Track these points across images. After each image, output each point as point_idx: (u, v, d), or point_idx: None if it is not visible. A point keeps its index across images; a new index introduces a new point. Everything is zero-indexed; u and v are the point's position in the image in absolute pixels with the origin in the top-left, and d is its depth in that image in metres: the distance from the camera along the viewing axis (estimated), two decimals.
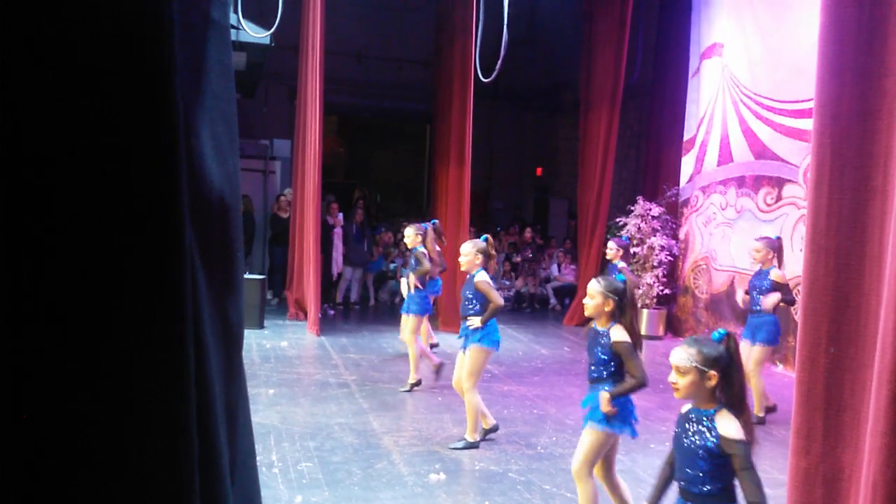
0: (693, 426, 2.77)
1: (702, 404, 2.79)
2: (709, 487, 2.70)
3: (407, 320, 7.37)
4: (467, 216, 10.51)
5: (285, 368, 7.90)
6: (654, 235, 10.91)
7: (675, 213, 11.33)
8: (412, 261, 7.53)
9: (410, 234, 7.50)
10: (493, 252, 5.93)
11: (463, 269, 5.83)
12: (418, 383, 7.28)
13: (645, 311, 11.00)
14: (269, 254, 12.45)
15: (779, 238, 6.93)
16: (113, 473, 0.77)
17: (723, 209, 10.34)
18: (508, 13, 8.28)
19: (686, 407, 2.90)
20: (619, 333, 4.04)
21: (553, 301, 13.51)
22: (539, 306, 13.52)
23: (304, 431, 5.86)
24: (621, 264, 8.25)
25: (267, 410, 6.27)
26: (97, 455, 0.76)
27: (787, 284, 6.63)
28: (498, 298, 5.59)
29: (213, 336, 0.97)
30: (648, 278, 10.91)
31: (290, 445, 5.53)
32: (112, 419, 0.76)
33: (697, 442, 2.73)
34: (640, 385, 4.01)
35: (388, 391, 7.23)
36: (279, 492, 4.64)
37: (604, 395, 4.02)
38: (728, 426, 2.68)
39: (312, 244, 9.89)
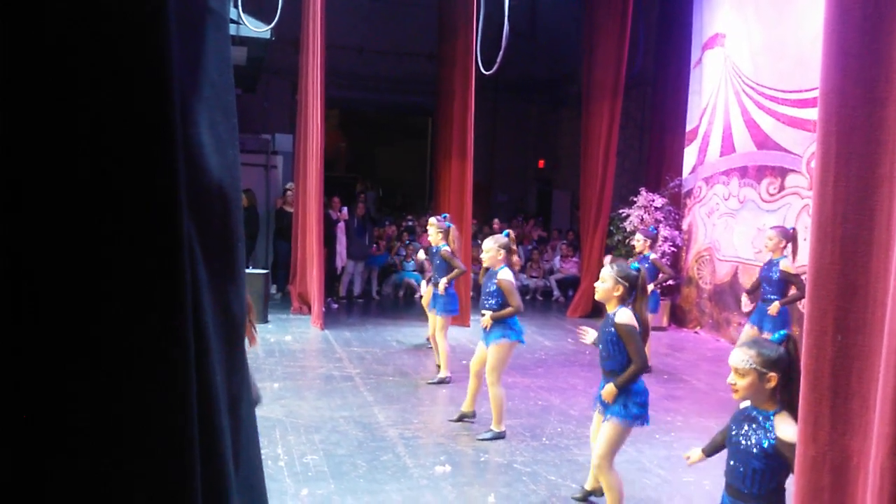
0: (751, 425, 2.76)
1: (761, 405, 2.78)
2: (758, 488, 2.70)
3: (436, 319, 7.39)
4: (470, 209, 10.49)
5: (290, 362, 7.90)
6: (658, 226, 10.89)
7: (678, 203, 11.31)
8: (437, 260, 7.44)
9: (433, 231, 7.45)
10: (515, 247, 5.90)
11: (485, 265, 5.80)
12: (447, 380, 7.27)
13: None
14: (273, 248, 12.45)
15: (794, 229, 6.89)
16: (112, 466, 0.76)
17: (725, 199, 10.32)
18: (510, 5, 8.25)
19: (744, 404, 2.88)
20: (624, 315, 4.06)
21: (556, 293, 13.51)
22: (542, 298, 13.52)
23: (309, 424, 5.87)
24: (653, 255, 8.23)
25: (272, 404, 6.28)
26: (96, 447, 0.75)
27: (798, 275, 6.59)
28: (518, 302, 5.54)
29: (214, 327, 0.96)
30: None
31: (295, 439, 5.53)
32: (110, 411, 0.75)
33: (753, 441, 2.72)
34: (641, 370, 4.04)
35: (392, 384, 7.23)
36: (285, 485, 4.65)
37: (609, 389, 4.04)
38: (787, 429, 2.68)
39: (315, 238, 9.89)
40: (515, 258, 5.89)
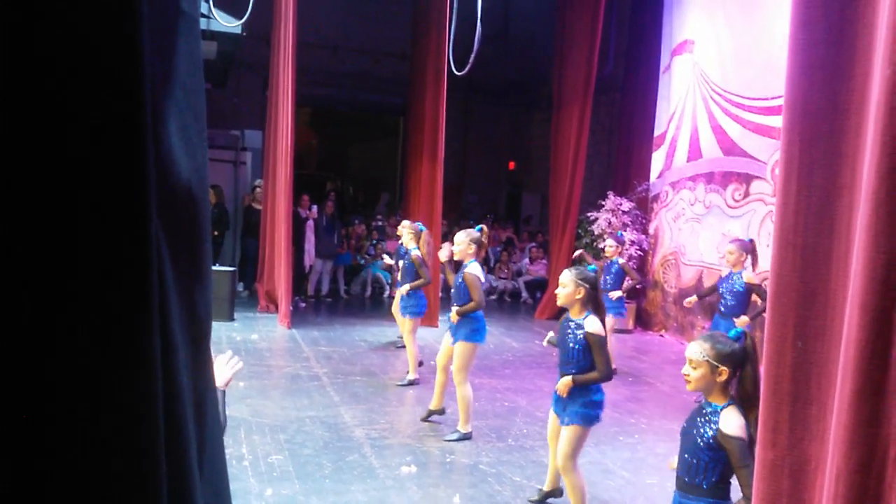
0: (702, 418, 2.84)
1: (714, 398, 2.85)
2: (702, 479, 2.76)
3: (404, 321, 7.37)
4: (440, 209, 10.50)
5: (256, 361, 7.84)
6: (625, 230, 11.00)
7: (645, 208, 11.44)
8: (407, 264, 7.38)
9: (405, 235, 7.42)
10: (486, 241, 5.92)
11: (456, 258, 5.84)
12: (415, 382, 7.27)
13: None
14: (241, 245, 12.33)
15: (752, 240, 6.97)
16: (76, 466, 0.75)
17: (692, 205, 10.46)
18: (482, 7, 8.28)
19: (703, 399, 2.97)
20: (593, 324, 4.09)
21: (524, 295, 13.57)
22: (510, 299, 13.58)
23: (274, 424, 5.83)
24: (621, 260, 8.30)
25: (237, 403, 6.23)
26: (59, 448, 0.74)
27: (761, 285, 6.67)
28: (479, 297, 5.57)
29: (180, 327, 0.95)
30: None
31: (260, 438, 5.50)
32: (74, 411, 0.74)
33: (702, 433, 2.80)
34: (604, 380, 4.08)
35: (359, 384, 7.21)
36: (249, 484, 4.62)
37: (566, 381, 4.07)
38: (729, 422, 2.75)
39: (284, 236, 9.83)
40: (481, 252, 5.92)
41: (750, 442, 2.72)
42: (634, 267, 11.00)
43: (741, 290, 6.51)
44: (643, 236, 11.19)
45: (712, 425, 2.78)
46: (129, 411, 0.78)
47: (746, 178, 9.30)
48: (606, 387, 4.21)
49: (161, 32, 0.91)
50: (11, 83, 0.69)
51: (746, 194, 9.30)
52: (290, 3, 9.48)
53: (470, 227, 6.39)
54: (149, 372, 0.80)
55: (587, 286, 4.12)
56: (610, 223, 11.06)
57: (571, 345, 4.12)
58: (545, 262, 13.26)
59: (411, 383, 7.25)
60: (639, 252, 11.07)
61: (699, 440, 2.79)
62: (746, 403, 2.80)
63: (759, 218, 9.03)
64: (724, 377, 2.80)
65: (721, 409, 2.80)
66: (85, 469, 0.73)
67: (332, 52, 14.90)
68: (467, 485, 4.90)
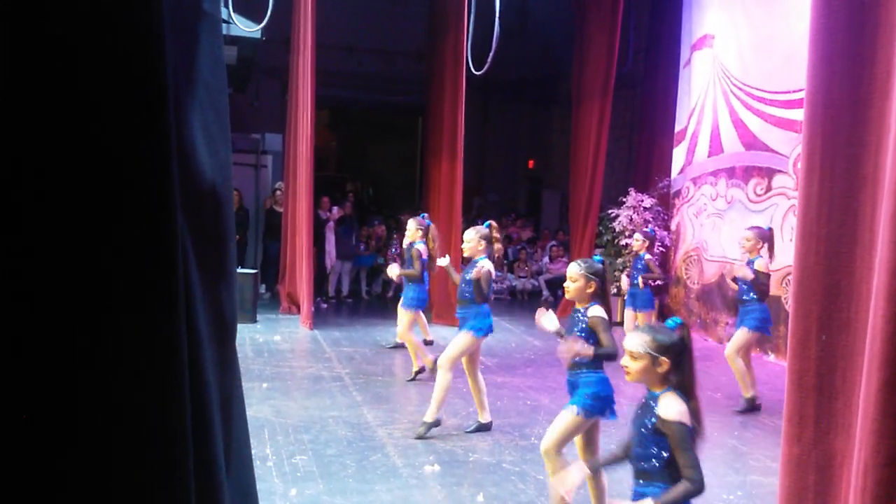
0: (646, 408, 2.88)
1: (653, 387, 2.88)
2: (649, 465, 2.79)
3: (403, 313, 7.38)
4: (459, 208, 10.50)
5: (278, 362, 7.89)
6: (646, 226, 10.94)
7: (666, 204, 11.36)
8: (407, 256, 7.46)
9: (411, 228, 7.41)
10: (497, 235, 5.93)
11: (465, 255, 5.87)
12: (422, 371, 7.29)
13: None
14: (262, 248, 12.42)
15: (770, 229, 6.93)
16: (106, 464, 0.77)
17: (713, 200, 10.37)
18: (500, 4, 8.26)
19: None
20: (596, 310, 4.06)
21: (546, 293, 13.53)
22: (528, 299, 13.55)
23: (298, 425, 5.86)
24: (647, 256, 8.29)
25: (260, 404, 6.27)
26: (91, 446, 0.75)
27: (769, 274, 6.63)
28: (485, 293, 5.62)
29: (206, 326, 0.97)
30: None
31: (284, 439, 5.53)
32: (105, 410, 0.76)
33: (644, 422, 2.83)
34: (614, 355, 4.04)
35: (381, 384, 7.23)
36: (274, 485, 4.64)
37: (571, 345, 3.97)
38: (668, 407, 2.77)
39: (305, 238, 9.87)
40: (498, 246, 5.91)
41: (692, 431, 2.74)
42: (657, 263, 10.96)
43: (753, 276, 6.49)
44: (665, 232, 11.12)
45: (653, 413, 2.81)
46: (156, 409, 0.79)
47: (768, 173, 9.21)
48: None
49: (183, 33, 0.92)
50: (39, 91, 0.70)
51: (768, 188, 9.21)
52: (309, 7, 9.52)
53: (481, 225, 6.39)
54: (176, 372, 0.81)
55: (597, 279, 4.09)
56: (631, 220, 11.00)
57: (576, 332, 4.08)
58: (566, 261, 13.21)
59: (419, 373, 7.27)
60: (661, 248, 10.99)
61: (643, 429, 2.83)
62: (685, 391, 2.82)
63: (781, 212, 8.94)
64: (664, 367, 2.82)
65: (659, 395, 2.83)
66: (116, 465, 0.74)
67: (348, 53, 14.95)
68: (490, 483, 4.89)
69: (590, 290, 4.08)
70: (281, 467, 4.97)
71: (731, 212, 9.93)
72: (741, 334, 6.60)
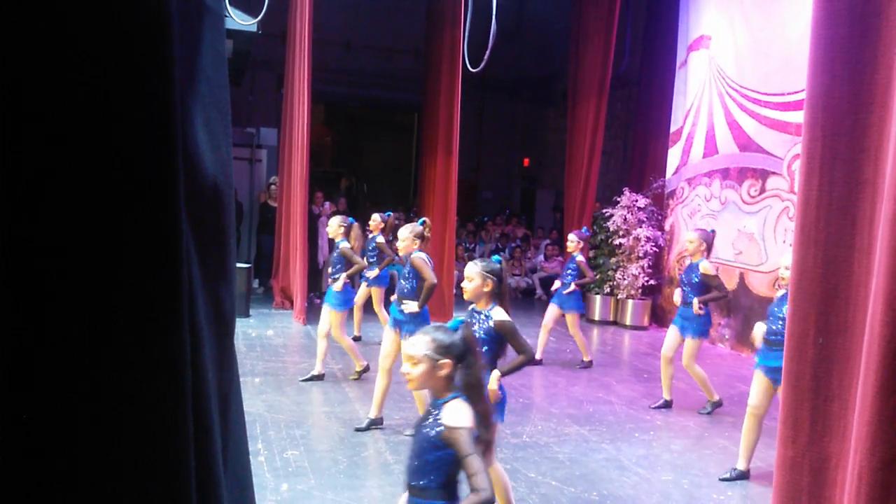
0: (430, 418, 2.61)
1: (438, 394, 2.64)
2: (426, 481, 2.56)
3: (329, 315, 7.04)
4: (454, 206, 10.49)
5: (271, 357, 7.88)
6: (640, 227, 10.96)
7: (661, 204, 11.38)
8: (336, 256, 7.07)
9: (334, 226, 7.06)
10: (429, 235, 5.97)
11: (401, 253, 5.96)
12: (366, 370, 7.23)
13: (630, 301, 11.07)
14: (256, 242, 12.39)
15: (713, 231, 6.98)
16: (108, 460, 0.76)
17: (707, 201, 10.39)
18: (498, 3, 8.25)
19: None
20: (500, 314, 4.07)
21: (539, 291, 13.55)
22: (522, 296, 13.56)
23: (290, 420, 5.86)
24: (580, 257, 8.11)
25: (253, 399, 6.26)
26: (91, 442, 0.75)
27: (717, 276, 6.64)
28: (431, 276, 5.61)
29: (206, 323, 0.96)
30: (634, 269, 10.98)
31: (275, 434, 5.52)
32: (107, 406, 0.75)
33: (427, 433, 2.57)
34: (530, 360, 4.09)
35: (373, 380, 7.21)
36: (265, 480, 4.64)
37: (495, 374, 4.05)
38: (453, 415, 2.53)
39: (299, 233, 9.86)
40: (427, 245, 5.98)
41: (477, 437, 2.53)
42: (649, 263, 10.99)
43: (697, 280, 6.51)
44: (659, 233, 11.14)
45: (438, 423, 2.55)
46: (158, 406, 0.79)
47: (762, 174, 9.24)
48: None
49: (187, 28, 0.92)
50: (43, 84, 0.69)
51: (762, 190, 9.24)
52: (306, 2, 9.49)
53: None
54: (178, 368, 0.80)
55: (494, 278, 4.09)
56: (625, 219, 11.02)
57: (479, 335, 4.06)
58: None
59: (314, 378, 7.05)
60: (654, 249, 11.02)
61: (425, 442, 2.57)
62: (471, 395, 2.61)
63: (774, 214, 8.97)
64: (446, 370, 2.60)
65: (443, 403, 2.59)
66: (117, 460, 0.74)
67: (346, 49, 14.93)
68: None
69: (486, 290, 4.08)
70: (272, 462, 4.96)
71: (725, 213, 9.96)
72: (690, 344, 6.59)
